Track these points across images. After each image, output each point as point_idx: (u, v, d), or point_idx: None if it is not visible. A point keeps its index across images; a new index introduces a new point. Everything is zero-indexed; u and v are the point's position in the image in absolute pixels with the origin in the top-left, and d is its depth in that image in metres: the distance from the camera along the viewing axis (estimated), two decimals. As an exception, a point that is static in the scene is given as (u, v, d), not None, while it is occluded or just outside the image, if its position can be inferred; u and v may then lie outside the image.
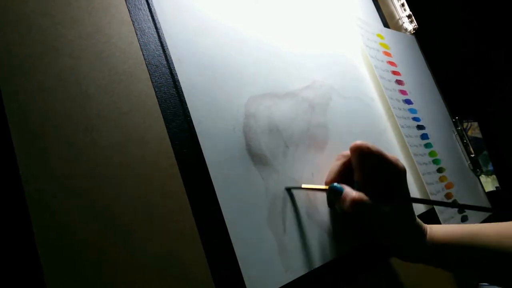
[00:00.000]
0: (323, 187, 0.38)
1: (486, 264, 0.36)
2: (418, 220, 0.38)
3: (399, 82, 0.60)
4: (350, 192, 0.35)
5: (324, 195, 0.39)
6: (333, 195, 0.36)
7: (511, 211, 0.51)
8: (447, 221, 0.53)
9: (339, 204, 0.36)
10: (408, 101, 0.60)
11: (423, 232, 0.38)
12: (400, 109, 0.56)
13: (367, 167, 0.36)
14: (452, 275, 0.51)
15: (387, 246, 0.39)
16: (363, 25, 0.60)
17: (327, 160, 0.41)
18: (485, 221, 0.62)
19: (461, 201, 0.58)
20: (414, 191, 0.51)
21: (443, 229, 0.38)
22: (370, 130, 0.50)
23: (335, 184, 0.36)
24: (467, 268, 0.38)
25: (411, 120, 0.58)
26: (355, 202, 0.34)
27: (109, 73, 0.29)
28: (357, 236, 0.40)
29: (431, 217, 0.51)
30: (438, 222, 0.52)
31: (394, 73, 0.61)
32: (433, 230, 0.39)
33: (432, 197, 0.52)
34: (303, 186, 0.37)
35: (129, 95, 0.29)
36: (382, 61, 0.59)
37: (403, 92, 0.60)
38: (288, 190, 0.36)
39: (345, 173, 0.39)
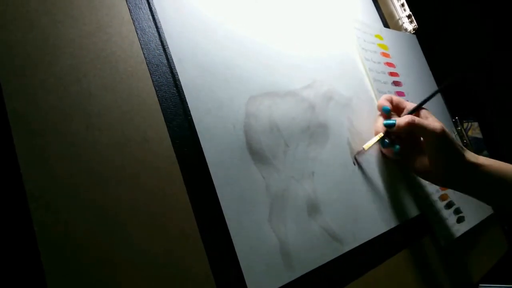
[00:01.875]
0: (379, 134, 0.46)
1: None
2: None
3: (396, 83, 0.60)
4: (402, 118, 0.44)
5: (323, 195, 0.39)
6: (388, 127, 0.45)
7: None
8: (446, 220, 0.53)
9: (395, 138, 0.46)
10: (406, 102, 0.60)
11: (465, 151, 0.44)
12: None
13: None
14: (450, 276, 0.51)
15: (433, 167, 0.44)
16: (361, 26, 0.60)
17: (327, 159, 0.41)
18: (484, 221, 0.62)
19: (459, 202, 0.57)
20: (411, 190, 0.51)
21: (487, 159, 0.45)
22: (371, 130, 0.50)
23: (387, 120, 0.46)
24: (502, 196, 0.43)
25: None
26: (410, 119, 0.43)
27: (110, 72, 0.29)
28: (357, 237, 0.40)
29: (432, 215, 0.51)
30: (438, 222, 0.52)
31: (392, 74, 0.61)
32: (476, 155, 0.45)
33: (430, 198, 0.53)
34: (365, 146, 0.45)
35: (130, 94, 0.29)
36: (379, 62, 0.59)
37: (400, 93, 0.60)
38: (356, 159, 0.45)
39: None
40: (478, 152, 0.74)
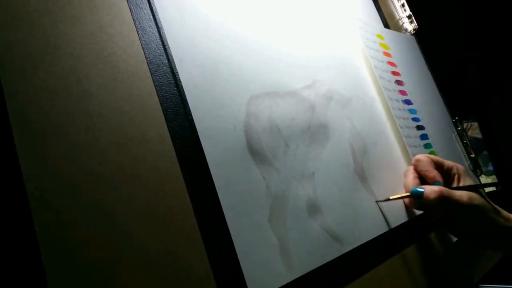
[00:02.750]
0: (407, 194, 0.44)
1: None
2: (495, 206, 0.43)
3: (398, 82, 0.60)
4: (431, 188, 0.41)
5: (323, 195, 0.39)
6: (415, 197, 0.42)
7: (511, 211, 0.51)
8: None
9: (424, 205, 0.43)
10: (407, 102, 0.60)
11: (500, 214, 0.42)
12: (400, 110, 0.57)
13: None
14: (450, 276, 0.51)
15: (469, 234, 0.44)
16: (363, 25, 0.60)
17: (327, 160, 0.41)
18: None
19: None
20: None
21: None
22: (371, 130, 0.50)
23: (416, 187, 0.43)
24: None
25: (411, 120, 0.58)
26: (439, 193, 0.40)
27: (111, 72, 0.29)
28: (357, 237, 0.40)
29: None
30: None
31: (394, 73, 0.61)
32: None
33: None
34: (391, 197, 0.44)
35: (131, 94, 0.29)
36: (382, 61, 0.60)
37: (402, 92, 0.60)
38: (379, 201, 0.44)
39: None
40: (478, 152, 0.74)
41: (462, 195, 0.41)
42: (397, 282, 0.42)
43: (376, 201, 0.44)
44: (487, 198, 0.43)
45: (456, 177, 0.47)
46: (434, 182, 0.44)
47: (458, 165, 0.47)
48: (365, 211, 0.42)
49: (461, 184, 0.46)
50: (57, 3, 0.28)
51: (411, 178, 0.47)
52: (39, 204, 0.22)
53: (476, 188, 0.44)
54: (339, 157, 0.43)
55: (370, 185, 0.45)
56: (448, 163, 0.47)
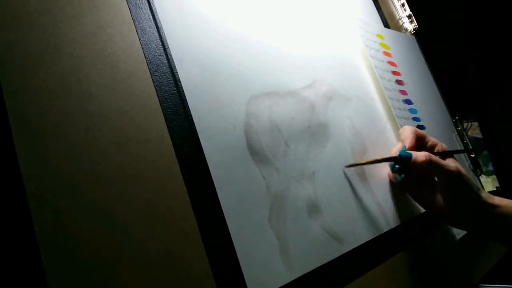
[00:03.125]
0: (390, 157, 0.44)
1: None
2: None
3: (399, 82, 0.60)
4: (420, 152, 0.42)
5: (323, 195, 0.39)
6: (402, 161, 0.42)
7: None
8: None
9: (403, 171, 0.43)
10: (408, 101, 0.60)
11: (481, 192, 0.43)
12: (400, 109, 0.57)
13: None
14: (450, 276, 0.51)
15: (446, 207, 0.42)
16: (364, 25, 0.60)
17: (327, 159, 0.41)
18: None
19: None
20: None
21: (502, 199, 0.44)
22: (371, 129, 0.50)
23: (403, 151, 0.43)
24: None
25: (411, 120, 0.58)
26: (428, 156, 0.41)
27: (110, 72, 0.29)
28: (357, 237, 0.40)
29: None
30: (438, 222, 0.52)
31: (394, 73, 0.61)
32: (493, 196, 0.44)
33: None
34: (363, 161, 0.43)
35: (130, 94, 0.29)
36: (382, 61, 0.60)
37: (403, 92, 0.60)
38: (350, 166, 0.43)
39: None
40: (478, 152, 0.74)
41: (449, 162, 0.42)
42: (397, 282, 0.42)
43: (345, 166, 0.42)
44: (469, 176, 0.44)
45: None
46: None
47: (442, 144, 0.47)
48: (365, 211, 0.42)
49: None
50: (57, 3, 0.28)
51: (398, 146, 0.47)
52: (38, 204, 0.22)
53: (454, 153, 0.45)
54: (339, 157, 0.43)
55: (370, 185, 0.45)
56: (433, 140, 0.47)
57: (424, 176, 0.46)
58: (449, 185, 0.42)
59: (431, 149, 0.47)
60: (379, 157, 0.44)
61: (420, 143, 0.46)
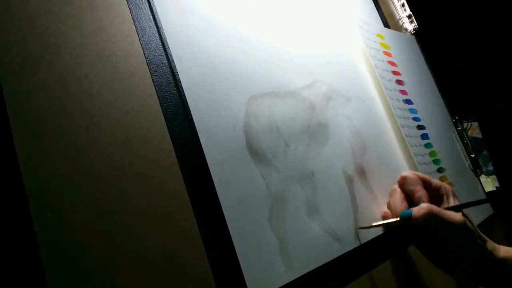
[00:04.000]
0: (394, 219, 0.40)
1: None
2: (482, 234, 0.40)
3: (399, 82, 0.60)
4: (419, 208, 0.37)
5: (323, 195, 0.39)
6: (404, 220, 0.38)
7: (511, 211, 0.51)
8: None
9: (412, 229, 0.39)
10: (408, 101, 0.60)
11: (487, 244, 0.39)
12: (400, 109, 0.57)
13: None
14: (451, 276, 0.51)
15: (454, 262, 0.39)
16: (364, 25, 0.60)
17: (327, 160, 0.41)
18: (484, 221, 0.62)
19: (460, 201, 0.57)
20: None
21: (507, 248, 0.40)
22: (371, 129, 0.50)
23: (404, 211, 0.39)
24: None
25: (411, 120, 0.58)
26: (427, 211, 0.36)
27: (111, 72, 0.29)
28: (357, 237, 0.40)
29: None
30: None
31: (394, 73, 0.61)
32: (498, 245, 0.40)
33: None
34: (374, 224, 0.41)
35: (131, 94, 0.29)
36: (383, 61, 0.60)
37: (403, 92, 0.60)
38: (361, 228, 0.40)
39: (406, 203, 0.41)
40: (478, 152, 0.74)
41: (454, 214, 0.38)
42: (397, 282, 0.42)
43: (357, 228, 0.40)
44: (474, 224, 0.40)
45: (444, 197, 0.42)
46: (418, 203, 0.39)
47: (446, 185, 0.43)
48: (365, 211, 0.42)
49: (450, 205, 0.41)
50: (57, 3, 0.28)
51: (398, 200, 0.42)
52: (38, 204, 0.22)
53: (467, 206, 0.40)
54: (339, 157, 0.43)
55: (370, 185, 0.45)
56: (435, 182, 0.43)
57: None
58: (452, 239, 0.38)
59: (434, 193, 0.43)
60: (388, 220, 0.42)
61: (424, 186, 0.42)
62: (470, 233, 0.38)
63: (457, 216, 0.37)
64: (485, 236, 0.40)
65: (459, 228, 0.37)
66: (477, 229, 0.40)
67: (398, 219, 0.39)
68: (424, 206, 0.37)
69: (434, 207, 0.37)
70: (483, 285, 0.40)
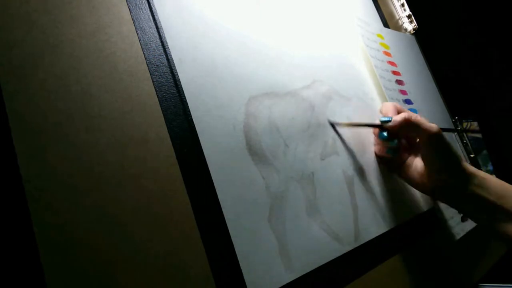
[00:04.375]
0: (375, 123, 0.44)
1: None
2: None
3: (399, 82, 0.60)
4: (398, 115, 0.42)
5: (323, 195, 0.39)
6: (384, 124, 0.43)
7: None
8: (447, 221, 0.53)
9: (388, 136, 0.43)
10: (408, 101, 0.60)
11: (462, 160, 0.41)
12: (400, 109, 0.56)
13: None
14: (450, 276, 0.51)
15: (428, 171, 0.42)
16: (363, 25, 0.60)
17: (327, 160, 0.41)
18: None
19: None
20: (412, 190, 0.51)
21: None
22: (370, 129, 0.50)
23: (384, 117, 0.43)
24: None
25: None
26: (406, 117, 0.41)
27: (110, 72, 0.29)
28: (356, 237, 0.40)
29: (432, 215, 0.51)
30: (438, 221, 0.52)
31: (394, 73, 0.61)
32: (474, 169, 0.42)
33: (428, 197, 0.53)
34: (353, 122, 0.45)
35: (130, 94, 0.29)
36: (382, 61, 0.60)
37: (403, 92, 0.60)
38: (332, 125, 0.43)
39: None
40: (478, 152, 0.74)
41: (431, 124, 0.41)
42: (397, 282, 0.42)
43: (329, 122, 0.44)
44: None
45: None
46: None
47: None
48: (365, 211, 0.42)
49: None
50: (56, 3, 0.28)
51: (390, 106, 0.46)
52: (38, 205, 0.22)
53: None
54: (339, 157, 0.43)
55: (370, 185, 0.45)
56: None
57: (409, 147, 0.47)
58: (430, 144, 0.41)
59: None
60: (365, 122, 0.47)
61: None
62: (446, 140, 0.41)
63: (433, 126, 0.41)
64: (461, 156, 0.42)
65: (435, 136, 0.40)
66: (456, 140, 0.43)
67: (380, 121, 0.44)
68: (403, 114, 0.42)
69: (413, 114, 0.42)
70: (451, 199, 0.43)
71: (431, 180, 0.42)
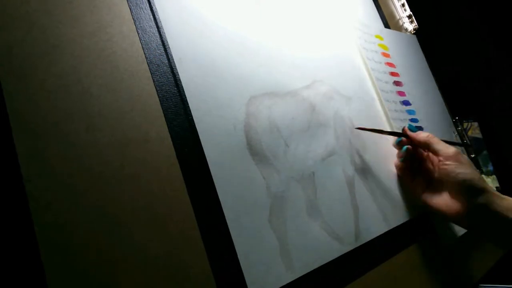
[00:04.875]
0: (398, 131, 0.48)
1: None
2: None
3: (397, 83, 0.60)
4: (422, 132, 0.46)
5: (323, 195, 0.39)
6: (406, 131, 0.47)
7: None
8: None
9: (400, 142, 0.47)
10: (406, 103, 0.60)
11: (485, 186, 0.41)
12: (397, 111, 0.56)
13: None
14: (450, 276, 0.51)
15: (451, 188, 0.42)
16: (361, 26, 0.60)
17: (327, 160, 0.41)
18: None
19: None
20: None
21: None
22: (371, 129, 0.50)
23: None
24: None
25: (408, 121, 0.58)
26: (430, 136, 0.44)
27: (111, 72, 0.29)
28: (357, 237, 0.40)
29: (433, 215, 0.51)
30: (438, 221, 0.52)
31: (393, 74, 0.61)
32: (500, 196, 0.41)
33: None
34: (375, 128, 0.47)
35: (131, 94, 0.29)
36: (380, 62, 0.59)
37: (401, 93, 0.60)
38: (357, 128, 0.47)
39: None
40: (478, 152, 0.74)
41: (448, 146, 0.43)
42: (397, 282, 0.42)
43: (355, 128, 0.47)
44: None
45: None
46: None
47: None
48: (365, 211, 0.42)
49: None
50: (57, 3, 0.28)
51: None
52: (38, 204, 0.22)
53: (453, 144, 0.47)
54: (339, 157, 0.43)
55: (370, 185, 0.45)
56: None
57: (425, 168, 0.48)
58: (448, 163, 0.42)
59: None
60: (388, 129, 0.50)
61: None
62: (465, 163, 0.42)
63: (451, 147, 0.43)
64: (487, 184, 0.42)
65: (454, 152, 0.42)
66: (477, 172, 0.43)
67: (401, 131, 0.48)
68: (426, 133, 0.45)
69: (434, 137, 0.44)
70: (474, 226, 0.41)
71: (454, 204, 0.42)
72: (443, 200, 0.44)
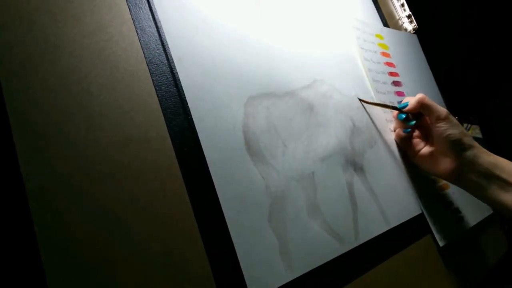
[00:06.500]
0: (394, 105, 0.50)
1: None
2: None
3: (396, 83, 0.60)
4: (414, 98, 0.47)
5: (323, 194, 0.39)
6: (401, 107, 0.49)
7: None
8: (442, 228, 0.53)
9: (405, 118, 0.49)
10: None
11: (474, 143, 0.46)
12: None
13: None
14: (450, 276, 0.51)
15: (439, 152, 0.46)
16: (361, 26, 0.60)
17: (327, 160, 0.41)
18: (484, 221, 0.62)
19: (458, 201, 0.58)
20: (410, 190, 0.51)
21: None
22: (371, 129, 0.50)
23: (401, 103, 0.49)
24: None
25: (397, 103, 0.57)
26: (420, 99, 0.46)
27: (110, 72, 0.29)
28: (357, 236, 0.40)
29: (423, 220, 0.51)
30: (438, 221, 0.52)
31: (392, 74, 0.61)
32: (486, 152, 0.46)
33: (429, 197, 0.53)
34: (375, 102, 0.51)
35: (130, 93, 0.29)
36: (379, 62, 0.59)
37: (399, 93, 0.60)
38: (361, 100, 0.50)
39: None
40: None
41: (441, 108, 0.46)
42: (397, 282, 0.42)
43: (358, 98, 0.50)
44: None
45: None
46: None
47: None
48: (365, 211, 0.42)
49: None
50: (57, 2, 0.28)
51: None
52: (38, 204, 0.22)
53: None
54: (339, 156, 0.43)
55: (370, 184, 0.45)
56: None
57: (423, 133, 0.51)
58: (440, 122, 0.45)
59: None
60: (389, 103, 0.53)
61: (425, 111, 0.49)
62: (455, 121, 0.45)
63: (443, 109, 0.46)
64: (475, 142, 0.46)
65: (444, 115, 0.45)
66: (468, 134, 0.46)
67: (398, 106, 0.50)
68: (417, 96, 0.47)
69: (426, 98, 0.46)
70: (461, 180, 0.46)
71: (446, 161, 0.46)
72: (435, 158, 0.48)
